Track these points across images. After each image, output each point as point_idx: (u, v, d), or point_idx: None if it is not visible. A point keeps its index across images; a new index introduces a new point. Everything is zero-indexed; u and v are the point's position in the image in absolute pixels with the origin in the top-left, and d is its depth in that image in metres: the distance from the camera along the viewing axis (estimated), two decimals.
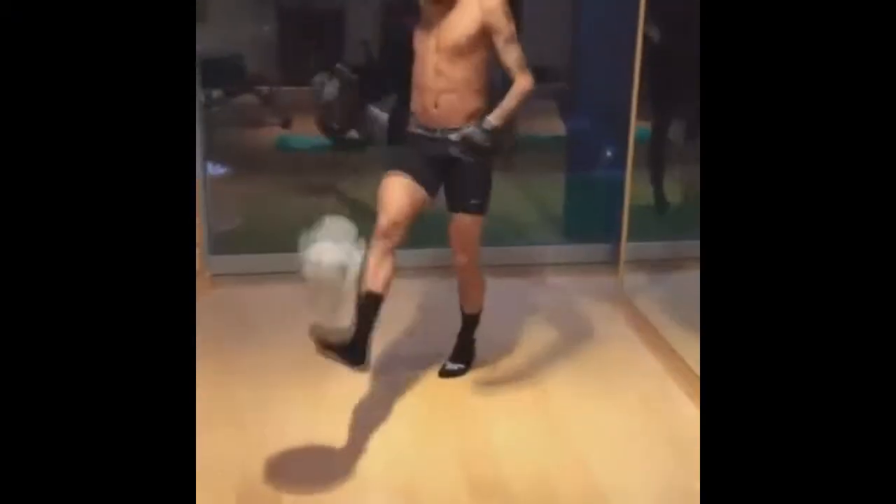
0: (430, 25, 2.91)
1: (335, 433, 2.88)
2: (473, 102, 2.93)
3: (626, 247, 3.93)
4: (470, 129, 2.86)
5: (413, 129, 3.03)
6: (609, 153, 4.41)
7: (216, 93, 5.50)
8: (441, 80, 2.89)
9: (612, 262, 4.16)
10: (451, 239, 3.08)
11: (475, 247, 3.10)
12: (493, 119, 2.88)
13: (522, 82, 2.88)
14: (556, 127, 5.11)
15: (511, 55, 2.88)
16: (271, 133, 5.70)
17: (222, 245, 4.26)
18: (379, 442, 2.85)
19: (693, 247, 4.44)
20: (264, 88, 5.84)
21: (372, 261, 2.79)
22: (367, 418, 2.97)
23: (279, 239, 4.58)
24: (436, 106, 2.91)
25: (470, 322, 3.32)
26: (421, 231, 3.08)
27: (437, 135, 2.94)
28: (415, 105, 3.02)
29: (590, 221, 4.49)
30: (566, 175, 4.70)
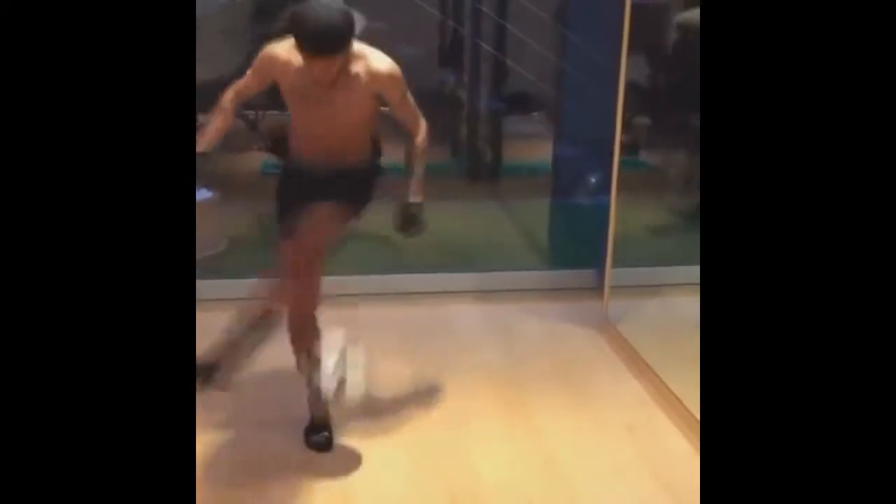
0: (315, 101, 2.69)
1: (319, 468, 2.85)
2: (366, 141, 2.87)
3: (611, 273, 3.95)
4: (406, 214, 2.80)
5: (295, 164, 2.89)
6: (594, 180, 4.44)
7: (202, 118, 5.49)
8: (337, 142, 2.79)
9: (596, 287, 4.18)
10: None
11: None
12: (416, 197, 2.81)
13: (420, 140, 2.82)
14: (540, 153, 5.14)
15: (405, 110, 2.80)
16: (257, 157, 5.70)
17: (208, 270, 4.24)
18: (366, 477, 2.82)
19: (678, 273, 4.48)
20: (250, 113, 5.84)
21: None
22: (353, 452, 2.94)
23: (265, 263, 4.58)
24: (328, 154, 2.80)
25: None
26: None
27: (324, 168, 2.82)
28: (298, 145, 2.87)
29: (574, 247, 4.51)
30: (551, 201, 4.72)
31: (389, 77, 2.70)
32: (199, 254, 4.23)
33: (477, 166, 5.89)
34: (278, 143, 3.10)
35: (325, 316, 3.37)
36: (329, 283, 3.99)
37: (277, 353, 2.90)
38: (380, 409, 3.20)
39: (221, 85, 3.08)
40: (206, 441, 2.93)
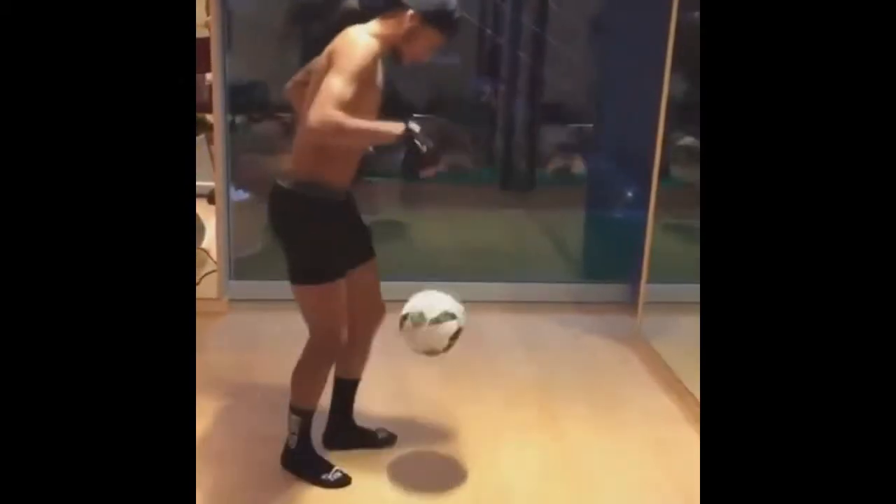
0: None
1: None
2: None
3: (645, 288, 3.92)
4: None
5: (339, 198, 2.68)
6: (630, 194, 4.41)
7: (239, 118, 5.54)
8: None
9: (630, 302, 4.15)
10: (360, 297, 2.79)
11: None
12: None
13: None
14: (577, 165, 5.13)
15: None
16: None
17: (242, 270, 4.26)
18: (390, 482, 2.80)
19: None
20: (287, 116, 5.87)
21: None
22: (378, 458, 2.93)
23: None
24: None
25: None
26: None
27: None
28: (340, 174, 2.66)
29: (609, 260, 4.48)
30: (586, 213, 4.70)
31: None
32: (235, 254, 4.26)
33: (511, 176, 5.87)
34: None
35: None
36: None
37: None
38: (409, 418, 3.19)
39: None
40: (207, 439, 2.94)
